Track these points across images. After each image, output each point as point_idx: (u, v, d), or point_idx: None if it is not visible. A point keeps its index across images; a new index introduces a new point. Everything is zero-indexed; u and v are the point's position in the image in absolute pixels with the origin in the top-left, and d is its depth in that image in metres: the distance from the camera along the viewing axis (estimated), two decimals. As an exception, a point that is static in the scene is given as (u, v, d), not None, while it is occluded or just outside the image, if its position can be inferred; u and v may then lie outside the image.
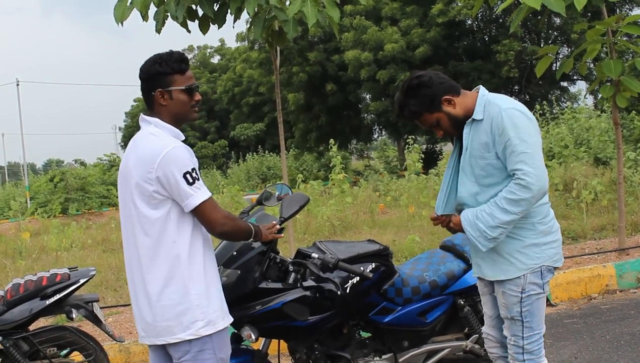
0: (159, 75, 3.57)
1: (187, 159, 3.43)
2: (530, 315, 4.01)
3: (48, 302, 4.94)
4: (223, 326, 3.61)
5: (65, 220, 22.57)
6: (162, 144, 3.44)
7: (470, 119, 3.99)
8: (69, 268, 5.21)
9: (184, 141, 3.63)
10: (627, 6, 34.67)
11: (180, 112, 3.63)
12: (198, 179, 3.44)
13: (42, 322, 6.47)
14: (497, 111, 3.87)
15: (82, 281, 5.08)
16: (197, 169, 3.47)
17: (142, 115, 3.68)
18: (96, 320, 5.14)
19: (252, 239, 3.82)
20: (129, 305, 8.73)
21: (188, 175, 3.40)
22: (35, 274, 5.10)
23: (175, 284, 3.47)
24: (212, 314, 3.54)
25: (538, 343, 4.07)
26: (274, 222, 4.11)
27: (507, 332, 4.12)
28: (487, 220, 3.87)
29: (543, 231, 3.98)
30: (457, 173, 4.15)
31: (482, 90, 4.08)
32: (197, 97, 3.68)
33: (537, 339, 4.06)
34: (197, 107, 3.73)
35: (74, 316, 5.06)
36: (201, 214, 3.46)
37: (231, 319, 3.69)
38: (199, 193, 3.42)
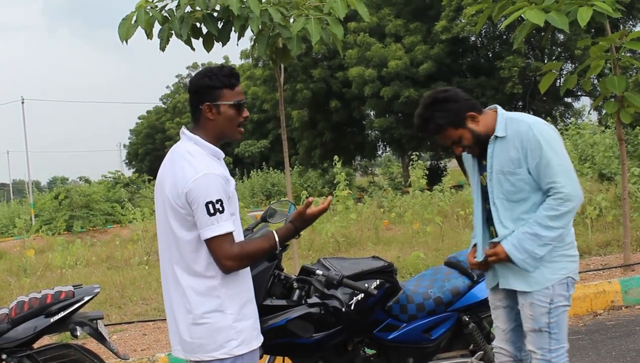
0: (208, 89, 3.52)
1: (215, 188, 3.37)
2: (557, 326, 4.03)
3: (52, 319, 4.93)
4: (256, 346, 3.58)
5: (70, 237, 22.60)
6: (196, 168, 3.39)
7: (493, 137, 4.03)
8: (73, 286, 5.19)
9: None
10: (630, 22, 34.74)
11: (226, 128, 3.59)
12: (221, 212, 3.36)
13: (46, 340, 6.46)
14: (526, 127, 3.94)
15: (86, 299, 5.07)
16: (224, 200, 3.39)
17: (183, 129, 3.65)
18: (100, 338, 5.13)
19: (279, 248, 3.65)
20: (134, 322, 8.73)
21: (210, 206, 3.33)
22: (40, 292, 5.09)
23: (211, 304, 3.44)
24: (246, 334, 3.51)
25: (564, 357, 4.09)
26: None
27: (532, 345, 4.10)
28: (534, 240, 3.92)
29: (569, 244, 4.07)
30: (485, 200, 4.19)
31: (499, 109, 4.15)
32: (245, 113, 3.65)
33: (563, 352, 4.08)
34: (245, 124, 3.70)
35: (78, 334, 5.05)
36: (210, 248, 3.40)
37: (262, 338, 3.66)
38: (215, 227, 3.35)
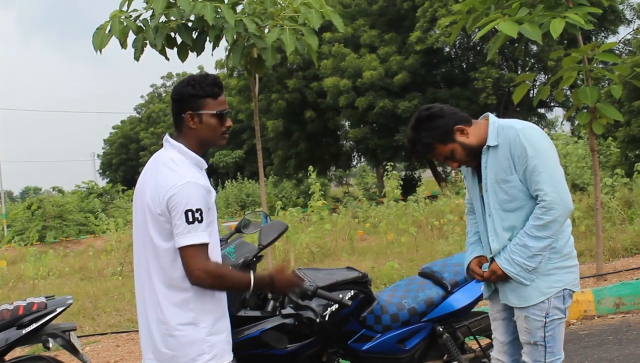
0: (191, 98, 3.50)
1: (196, 198, 3.34)
2: (552, 340, 4.01)
3: (24, 331, 4.88)
4: (228, 360, 3.54)
5: (43, 248, 22.44)
6: (179, 176, 3.37)
7: (485, 147, 3.98)
8: (45, 297, 5.16)
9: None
10: (602, 34, 35.09)
11: (208, 137, 3.55)
12: (200, 221, 3.33)
13: (18, 352, 6.40)
14: (514, 133, 3.87)
15: (59, 310, 5.03)
16: (204, 210, 3.36)
17: (167, 136, 3.61)
18: (73, 350, 5.10)
19: (252, 291, 3.57)
20: (107, 334, 8.67)
21: (190, 214, 3.31)
22: (12, 303, 5.05)
23: (185, 316, 3.41)
24: (219, 348, 3.48)
25: None
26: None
27: (528, 357, 4.08)
28: (523, 251, 3.87)
29: (566, 255, 4.00)
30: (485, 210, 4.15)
31: (491, 117, 4.08)
32: (228, 123, 3.60)
33: None
34: (227, 133, 3.65)
35: (50, 345, 5.01)
36: (183, 256, 3.35)
37: (232, 354, 3.62)
38: (192, 236, 3.31)
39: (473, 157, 4.05)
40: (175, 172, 3.40)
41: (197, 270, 3.34)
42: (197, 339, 3.42)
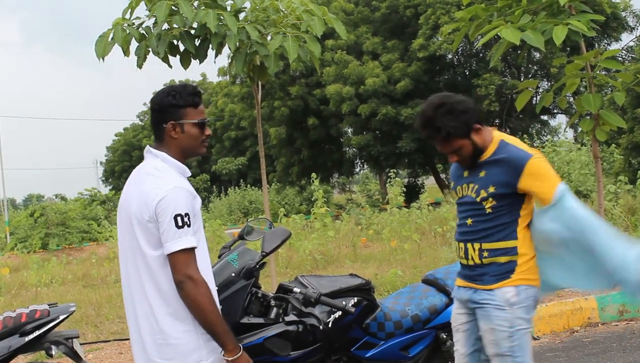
0: (172, 108, 3.52)
1: (183, 202, 3.36)
2: (520, 349, 3.97)
3: (27, 338, 4.88)
4: None
5: (46, 255, 22.44)
6: (164, 183, 3.38)
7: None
8: (48, 304, 5.15)
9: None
10: (605, 41, 35.10)
11: (190, 146, 3.58)
12: (188, 226, 3.34)
13: (21, 359, 6.39)
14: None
15: (61, 317, 5.03)
16: (190, 215, 3.37)
17: (148, 147, 3.63)
18: (76, 357, 5.09)
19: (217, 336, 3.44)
20: (110, 341, 8.66)
21: (179, 218, 3.31)
22: (14, 311, 5.04)
23: (181, 324, 3.40)
24: (217, 354, 3.47)
25: None
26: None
27: None
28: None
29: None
30: None
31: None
32: (208, 131, 3.64)
33: None
34: (207, 141, 3.68)
35: (53, 353, 5.00)
36: (173, 261, 3.34)
37: None
38: (182, 240, 3.32)
39: (471, 157, 4.06)
40: (160, 178, 3.42)
41: (181, 275, 3.33)
42: (195, 346, 3.41)
